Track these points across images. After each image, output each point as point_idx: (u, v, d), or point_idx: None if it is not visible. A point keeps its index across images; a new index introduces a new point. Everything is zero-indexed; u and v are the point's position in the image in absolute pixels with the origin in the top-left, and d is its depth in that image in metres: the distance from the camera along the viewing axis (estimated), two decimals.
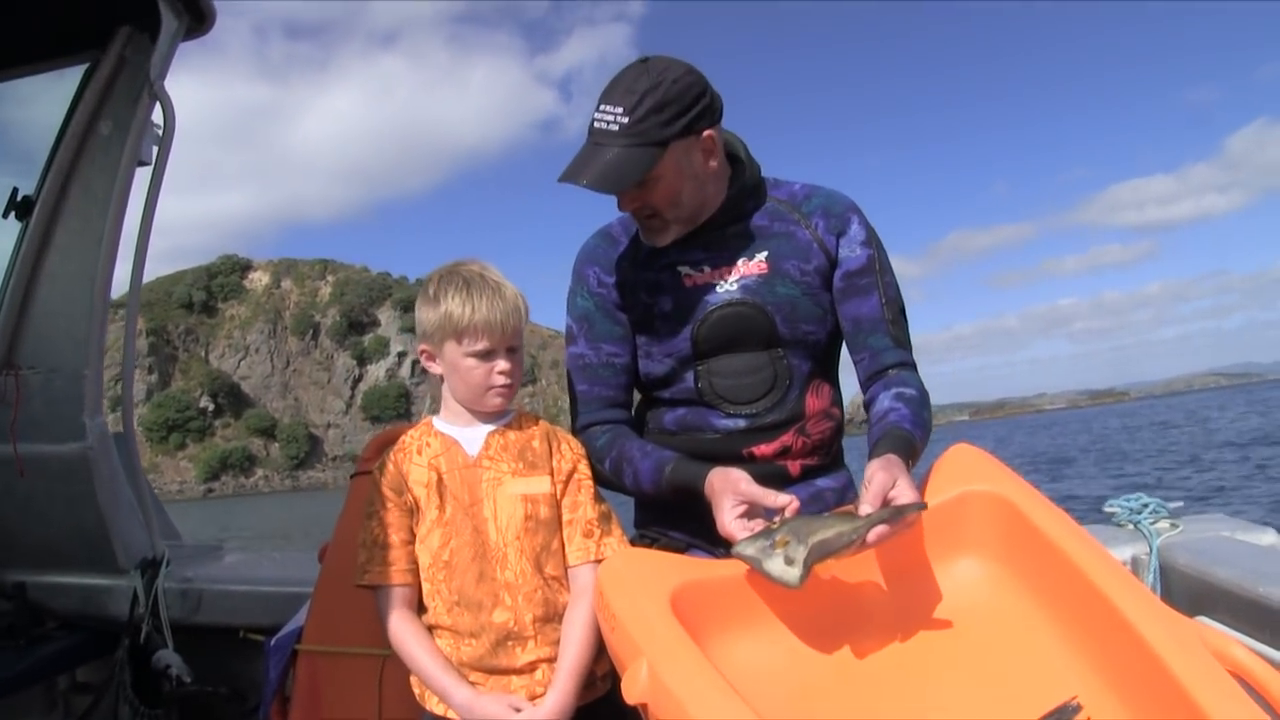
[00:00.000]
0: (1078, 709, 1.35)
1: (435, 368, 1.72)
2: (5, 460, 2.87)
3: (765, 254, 1.86)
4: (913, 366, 1.90)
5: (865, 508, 1.49)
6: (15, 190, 2.89)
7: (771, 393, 1.84)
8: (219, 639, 2.81)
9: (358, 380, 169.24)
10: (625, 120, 1.71)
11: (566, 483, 1.72)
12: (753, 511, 1.59)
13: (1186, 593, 2.16)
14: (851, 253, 1.87)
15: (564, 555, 1.69)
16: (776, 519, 1.54)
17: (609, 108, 1.73)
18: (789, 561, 1.44)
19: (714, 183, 1.85)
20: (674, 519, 1.85)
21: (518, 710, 1.57)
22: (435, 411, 1.78)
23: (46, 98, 2.94)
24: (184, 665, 2.73)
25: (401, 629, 1.65)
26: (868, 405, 1.86)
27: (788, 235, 1.87)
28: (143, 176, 2.86)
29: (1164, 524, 2.39)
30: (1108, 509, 2.51)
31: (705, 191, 1.84)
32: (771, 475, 1.77)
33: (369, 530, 1.69)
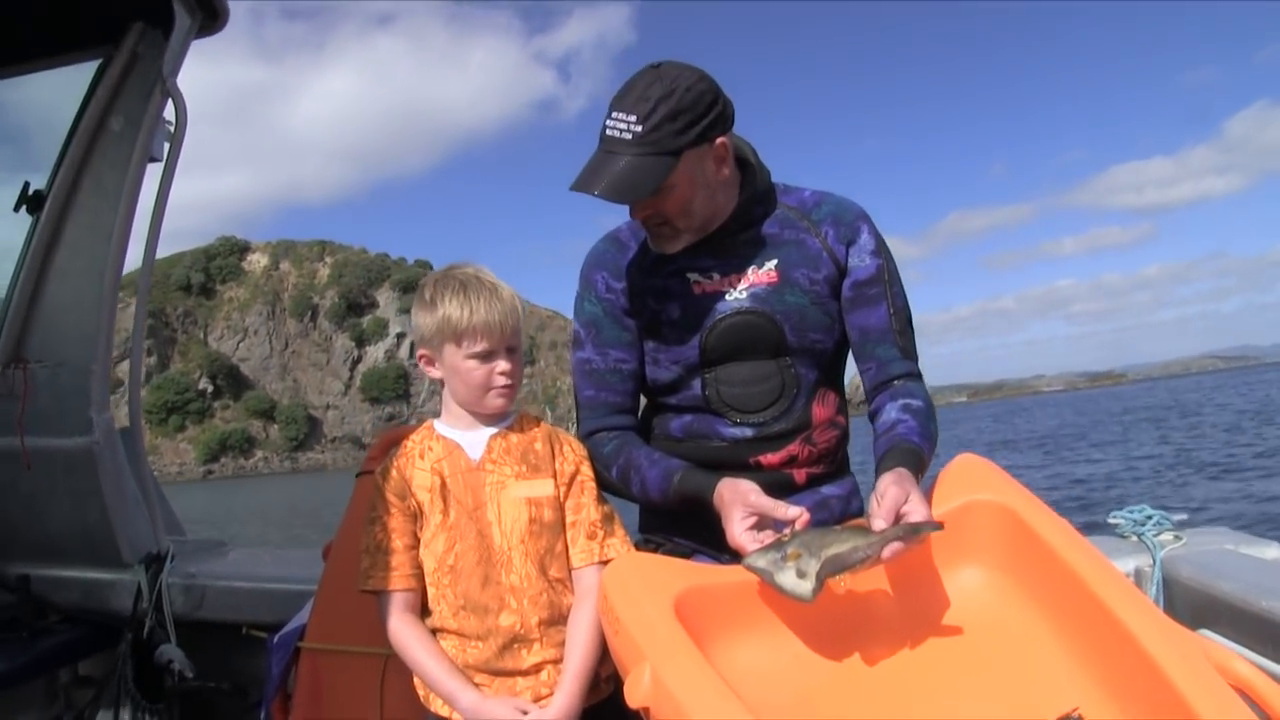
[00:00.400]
0: None
1: (435, 372, 1.72)
2: (12, 453, 2.88)
3: (775, 262, 1.85)
4: (919, 377, 1.90)
5: (878, 523, 1.49)
6: (27, 184, 2.91)
7: (779, 401, 1.84)
8: (222, 635, 2.81)
9: (356, 362, 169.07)
10: (639, 129, 1.70)
11: (569, 485, 1.73)
12: (762, 523, 1.59)
13: (1189, 606, 2.15)
14: (861, 262, 1.87)
15: (568, 557, 1.70)
16: (786, 531, 1.54)
17: (622, 115, 1.71)
18: (801, 574, 1.44)
19: (725, 190, 1.84)
20: (679, 524, 1.85)
21: (524, 713, 1.58)
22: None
23: (60, 93, 2.95)
24: (186, 660, 2.74)
25: (405, 633, 1.65)
26: (873, 415, 1.87)
27: (798, 243, 1.87)
28: (153, 173, 2.88)
29: (1167, 536, 2.39)
30: (1111, 520, 2.50)
31: (716, 200, 1.83)
32: (777, 484, 1.77)
33: (371, 535, 1.69)
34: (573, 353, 1.97)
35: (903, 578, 1.58)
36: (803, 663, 1.51)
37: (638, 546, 1.86)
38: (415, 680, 1.69)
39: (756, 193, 1.88)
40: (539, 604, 1.65)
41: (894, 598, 1.58)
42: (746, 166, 1.89)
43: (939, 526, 1.50)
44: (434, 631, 1.67)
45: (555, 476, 1.72)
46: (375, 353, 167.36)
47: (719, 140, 1.77)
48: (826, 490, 1.88)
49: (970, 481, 1.66)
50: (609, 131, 1.73)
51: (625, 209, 1.83)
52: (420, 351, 1.73)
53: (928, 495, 1.61)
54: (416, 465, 1.70)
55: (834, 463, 1.91)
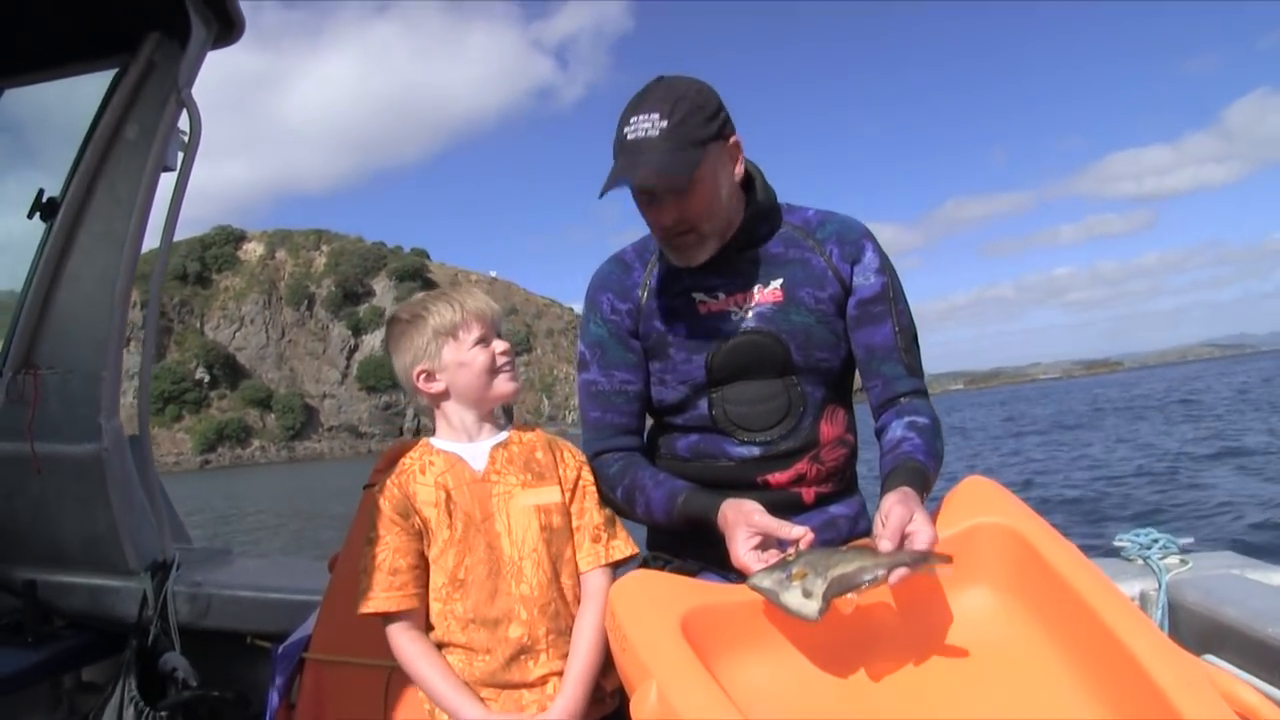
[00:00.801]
0: None
1: (436, 384, 1.74)
2: (21, 458, 2.89)
3: (780, 281, 1.86)
4: (924, 394, 1.91)
5: (885, 544, 1.49)
6: (41, 192, 2.93)
7: (786, 420, 1.85)
8: (226, 644, 2.81)
9: (353, 350, 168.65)
10: (665, 124, 1.71)
11: (574, 490, 1.75)
12: (766, 543, 1.59)
13: (1195, 631, 2.15)
14: (866, 280, 1.88)
15: (577, 563, 1.72)
16: (791, 550, 1.54)
17: (643, 116, 1.72)
18: (807, 594, 1.44)
19: (736, 197, 1.85)
20: (687, 543, 1.85)
21: None
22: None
23: (76, 101, 2.97)
24: (190, 669, 2.74)
25: (410, 650, 1.66)
26: (879, 433, 1.88)
27: (803, 262, 1.88)
28: (166, 182, 2.89)
29: (1173, 559, 2.38)
30: (1117, 543, 2.50)
31: (732, 204, 1.84)
32: (785, 503, 1.78)
33: (370, 556, 1.68)
34: (578, 375, 1.98)
35: (909, 599, 1.58)
36: (808, 682, 1.51)
37: (645, 564, 1.87)
38: (419, 695, 1.70)
39: (762, 210, 1.88)
40: (547, 614, 1.66)
41: (900, 619, 1.58)
42: (750, 185, 1.90)
43: (948, 560, 1.50)
44: (440, 646, 1.67)
45: (560, 482, 1.74)
46: (372, 341, 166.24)
47: (733, 138, 1.80)
48: (834, 509, 1.89)
49: (977, 504, 1.66)
50: (631, 136, 1.73)
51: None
52: (417, 370, 1.74)
53: (934, 516, 1.61)
54: (419, 480, 1.70)
55: (842, 481, 1.92)
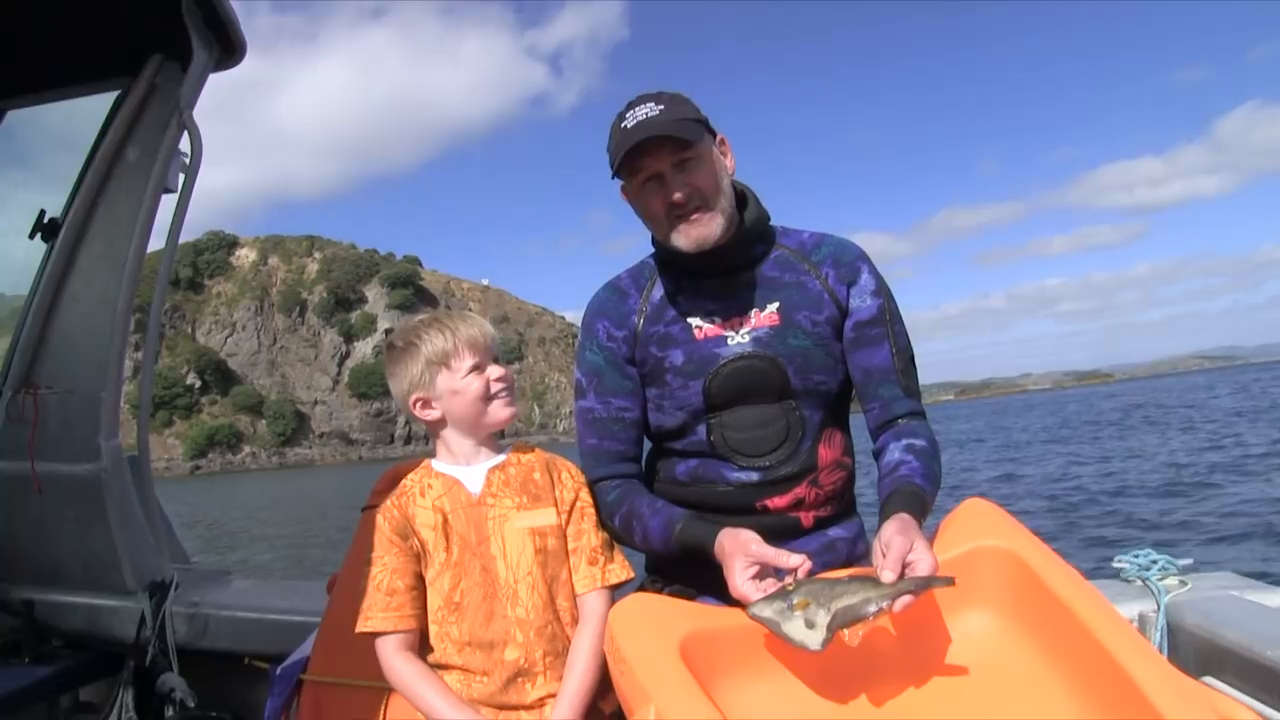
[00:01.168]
0: None
1: (432, 412, 1.75)
2: (21, 478, 2.90)
3: (777, 305, 1.87)
4: (922, 415, 1.91)
5: (887, 575, 1.48)
6: (43, 212, 2.94)
7: (784, 445, 1.84)
8: (224, 665, 2.81)
9: (345, 357, 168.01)
10: (663, 107, 1.78)
11: (570, 512, 1.75)
12: (764, 572, 1.59)
13: (1194, 653, 2.15)
14: (862, 302, 1.89)
15: (573, 585, 1.72)
16: (789, 579, 1.54)
17: (640, 108, 1.79)
18: (810, 625, 1.44)
19: (730, 196, 1.87)
20: (686, 567, 1.84)
21: None
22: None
23: (78, 122, 2.98)
24: (188, 689, 2.73)
25: (406, 671, 1.66)
26: (877, 454, 1.88)
27: (798, 285, 1.88)
28: (167, 204, 2.91)
29: (1172, 581, 2.38)
30: (1116, 564, 2.50)
31: (731, 196, 1.87)
32: (784, 527, 1.78)
33: (371, 576, 1.70)
34: (575, 401, 1.98)
35: (908, 623, 1.57)
36: (807, 706, 1.50)
37: (644, 588, 1.86)
38: (418, 717, 1.69)
39: (756, 228, 1.89)
40: (544, 636, 1.66)
41: (899, 642, 1.58)
42: (744, 203, 1.91)
43: (951, 582, 1.50)
44: (437, 668, 1.68)
45: (556, 505, 1.74)
46: (363, 348, 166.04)
47: (719, 135, 1.87)
48: (833, 532, 1.88)
49: (977, 526, 1.66)
50: (632, 122, 1.79)
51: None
52: (414, 398, 1.76)
53: (933, 539, 1.61)
54: (418, 503, 1.72)
55: (841, 504, 1.92)
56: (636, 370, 1.93)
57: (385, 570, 1.69)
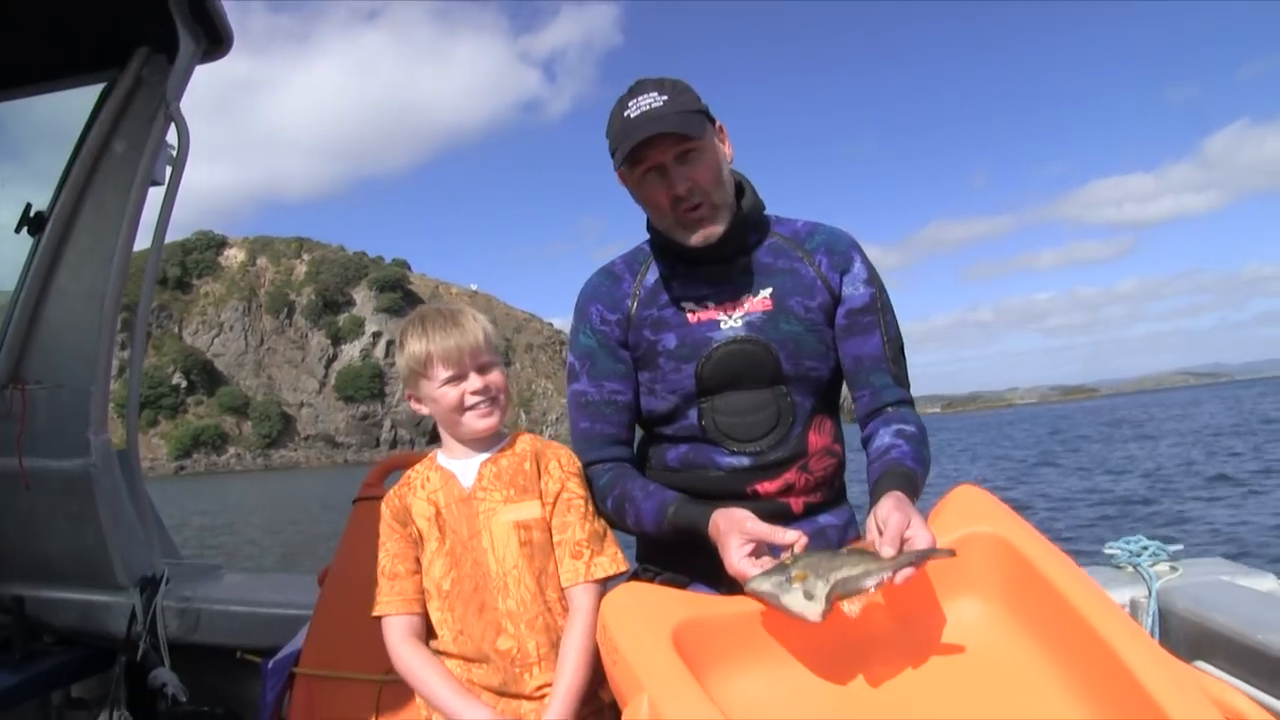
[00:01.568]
0: None
1: (422, 409, 1.77)
2: (9, 474, 2.88)
3: (770, 290, 1.87)
4: (911, 403, 1.92)
5: (886, 550, 1.49)
6: (29, 206, 2.92)
7: (775, 430, 1.85)
8: (216, 659, 2.80)
9: (332, 360, 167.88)
10: (666, 97, 1.77)
11: (554, 504, 1.74)
12: (759, 550, 1.59)
13: (1185, 638, 2.15)
14: (855, 290, 1.89)
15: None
16: (786, 555, 1.54)
17: (642, 97, 1.79)
18: (809, 596, 1.44)
19: (728, 187, 1.86)
20: (677, 555, 1.84)
21: None
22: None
23: (63, 114, 2.96)
24: (180, 684, 2.73)
25: (410, 655, 1.68)
26: (866, 441, 1.88)
27: (791, 271, 1.89)
28: (154, 196, 2.89)
29: (1163, 567, 2.39)
30: (1108, 550, 2.51)
31: (730, 185, 1.87)
32: (774, 512, 1.78)
33: (376, 563, 1.74)
34: (568, 385, 1.98)
35: (901, 609, 1.58)
36: (800, 694, 1.50)
37: (636, 576, 1.86)
38: (416, 703, 1.71)
39: (752, 217, 1.90)
40: (536, 628, 1.66)
41: (891, 629, 1.58)
42: (740, 191, 1.91)
43: (952, 553, 1.50)
44: (439, 654, 1.70)
45: (541, 497, 1.74)
46: (351, 351, 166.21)
47: (718, 122, 1.86)
48: (823, 519, 1.89)
49: (968, 513, 1.66)
50: (635, 113, 1.78)
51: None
52: (408, 393, 1.79)
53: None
54: (416, 495, 1.76)
55: (830, 491, 1.92)
56: (629, 354, 1.93)
57: (388, 555, 1.74)
